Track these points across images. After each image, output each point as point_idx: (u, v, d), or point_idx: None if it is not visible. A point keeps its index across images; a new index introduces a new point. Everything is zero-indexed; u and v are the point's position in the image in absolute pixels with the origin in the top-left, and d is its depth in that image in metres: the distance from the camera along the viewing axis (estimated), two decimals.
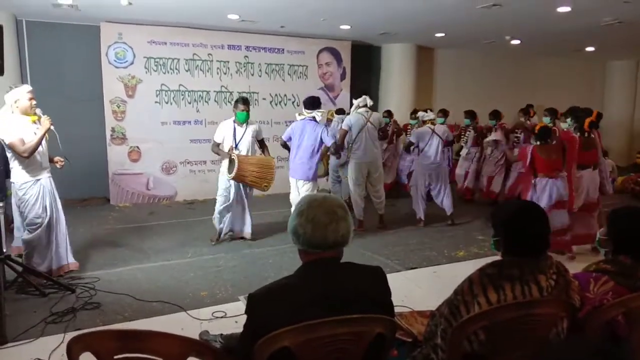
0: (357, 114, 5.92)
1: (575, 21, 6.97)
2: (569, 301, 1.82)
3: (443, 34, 8.42)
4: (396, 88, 9.59)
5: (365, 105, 5.91)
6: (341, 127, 6.01)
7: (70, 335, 1.63)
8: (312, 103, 5.45)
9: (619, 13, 6.47)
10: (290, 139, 5.56)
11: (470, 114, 7.86)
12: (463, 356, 1.74)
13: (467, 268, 1.92)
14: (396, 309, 2.06)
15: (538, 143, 5.07)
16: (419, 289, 4.20)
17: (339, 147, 5.58)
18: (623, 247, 2.08)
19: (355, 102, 6.05)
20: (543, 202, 4.80)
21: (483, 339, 1.72)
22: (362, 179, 5.97)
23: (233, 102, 5.42)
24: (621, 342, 1.86)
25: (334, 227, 1.63)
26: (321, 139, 5.35)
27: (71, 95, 7.44)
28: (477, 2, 5.97)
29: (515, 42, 8.95)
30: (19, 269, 3.92)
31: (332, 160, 6.76)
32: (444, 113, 7.06)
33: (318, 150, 5.41)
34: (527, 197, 5.03)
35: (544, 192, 4.96)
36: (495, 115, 7.66)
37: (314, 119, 5.41)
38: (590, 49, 9.95)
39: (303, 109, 5.52)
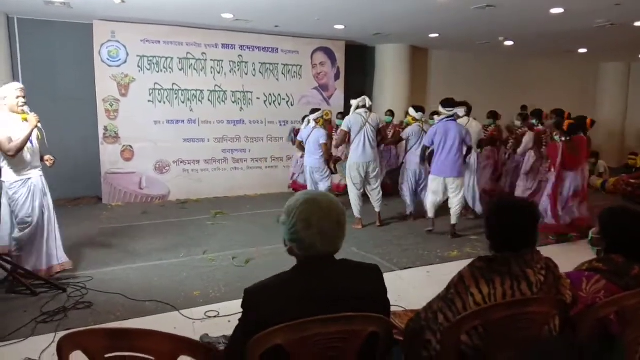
0: (356, 114, 6.03)
1: (568, 23, 7.01)
2: (559, 298, 1.83)
3: (437, 35, 8.45)
4: (390, 88, 9.60)
5: (365, 106, 5.96)
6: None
7: (61, 334, 1.61)
8: (449, 102, 5.67)
9: (610, 15, 6.52)
10: (432, 143, 5.72)
11: (493, 114, 7.55)
12: (458, 354, 1.74)
13: (460, 268, 1.92)
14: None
15: (564, 139, 5.41)
16: (413, 288, 4.20)
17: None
18: (615, 246, 2.09)
19: (354, 102, 6.10)
20: (565, 194, 5.44)
21: (482, 332, 1.72)
22: (359, 179, 6.04)
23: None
24: (614, 340, 1.87)
25: (339, 235, 1.65)
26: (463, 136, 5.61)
27: (63, 93, 7.40)
28: (471, 3, 5.99)
29: (509, 43, 9.00)
30: (9, 267, 3.88)
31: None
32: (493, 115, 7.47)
33: (462, 146, 5.62)
34: (552, 192, 5.50)
35: (566, 184, 5.46)
36: (493, 115, 7.53)
37: (452, 117, 5.66)
38: (582, 50, 10.02)
39: (441, 109, 5.72)
